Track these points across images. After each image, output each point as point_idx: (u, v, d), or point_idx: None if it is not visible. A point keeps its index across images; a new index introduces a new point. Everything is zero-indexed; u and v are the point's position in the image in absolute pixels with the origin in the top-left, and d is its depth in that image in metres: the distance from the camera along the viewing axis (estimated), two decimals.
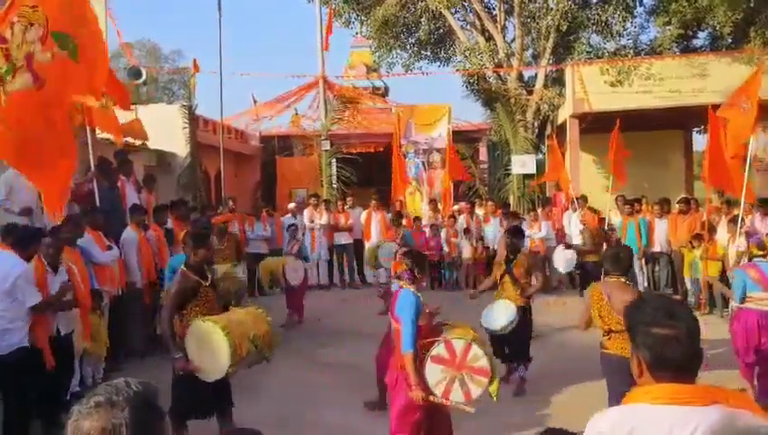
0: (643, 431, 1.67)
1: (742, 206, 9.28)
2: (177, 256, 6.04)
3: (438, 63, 21.68)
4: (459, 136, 19.17)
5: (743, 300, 5.84)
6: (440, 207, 14.37)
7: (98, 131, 8.35)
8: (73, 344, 5.98)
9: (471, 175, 17.50)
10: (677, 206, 11.28)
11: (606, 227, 11.51)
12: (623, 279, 4.71)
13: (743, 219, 9.15)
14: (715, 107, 10.17)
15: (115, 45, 23.30)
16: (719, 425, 1.62)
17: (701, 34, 18.73)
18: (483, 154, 20.79)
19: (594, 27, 17.79)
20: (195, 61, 15.16)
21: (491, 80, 19.55)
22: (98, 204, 7.79)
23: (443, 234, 12.63)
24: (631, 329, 1.82)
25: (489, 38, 19.20)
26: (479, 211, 13.64)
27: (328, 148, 17.35)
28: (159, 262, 8.12)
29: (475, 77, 19.62)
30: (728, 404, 1.68)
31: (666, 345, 1.72)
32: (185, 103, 15.26)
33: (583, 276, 10.81)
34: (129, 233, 7.80)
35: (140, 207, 8.47)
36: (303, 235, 13.14)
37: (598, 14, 17.37)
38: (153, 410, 1.47)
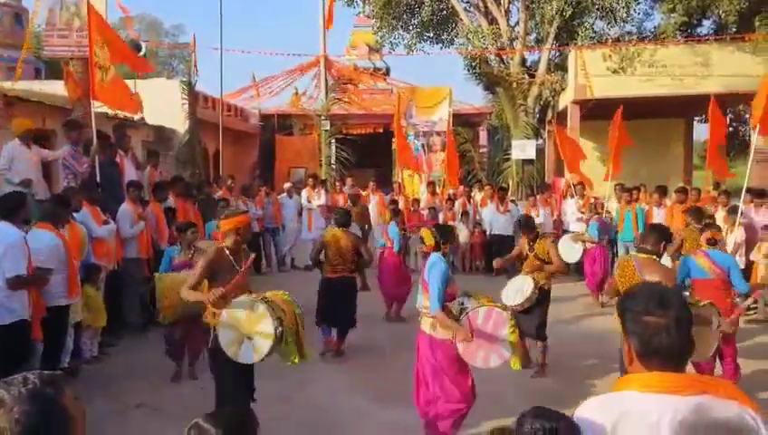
0: (631, 419, 1.69)
1: (742, 196, 9.28)
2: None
3: (441, 45, 21.56)
4: (460, 119, 19.12)
5: None
6: (438, 190, 14.36)
7: (96, 105, 8.33)
8: (68, 317, 6.00)
9: (465, 159, 17.41)
10: (675, 195, 11.28)
11: (604, 215, 11.51)
12: None
13: (742, 210, 9.15)
14: (718, 96, 10.15)
15: (116, 18, 23.10)
16: (693, 415, 1.64)
17: (705, 23, 18.64)
18: (483, 138, 20.74)
19: (598, 12, 17.67)
20: (194, 37, 15.07)
21: (493, 63, 19.44)
22: (98, 179, 7.81)
23: (440, 217, 12.63)
24: (623, 316, 1.83)
25: (492, 21, 19.06)
26: (477, 195, 13.63)
27: (328, 128, 17.30)
28: (158, 238, 8.13)
29: (478, 60, 19.50)
30: (717, 395, 1.69)
31: (655, 334, 1.73)
32: (184, 79, 15.17)
33: None
34: (125, 207, 7.80)
35: (138, 182, 8.45)
36: (300, 214, 13.21)
37: None
38: (47, 408, 1.32)
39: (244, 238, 4.62)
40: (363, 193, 13.44)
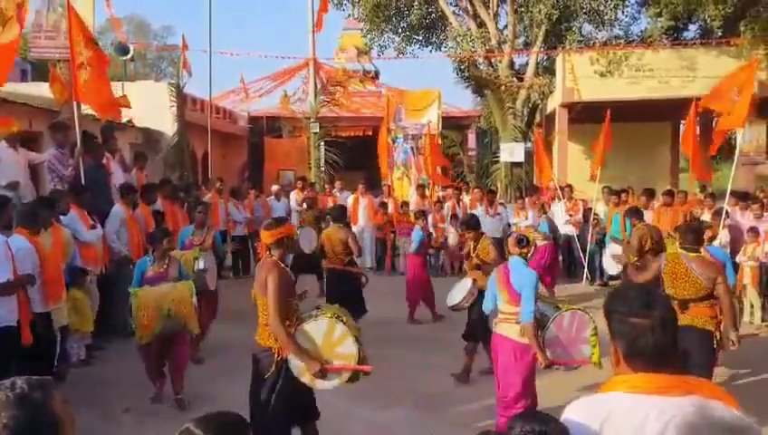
0: (618, 420, 1.70)
1: (726, 198, 9.37)
2: None
3: (430, 48, 21.62)
4: (449, 122, 19.17)
5: None
6: (428, 192, 14.39)
7: (83, 107, 8.26)
8: (52, 322, 5.88)
9: (453, 161, 17.49)
10: (662, 197, 11.39)
11: (592, 217, 11.62)
12: None
13: (727, 212, 9.24)
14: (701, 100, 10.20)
15: (103, 19, 22.96)
16: (693, 416, 1.66)
17: (691, 27, 18.83)
18: (472, 141, 20.82)
19: (586, 16, 17.79)
20: (184, 38, 15.01)
21: (482, 67, 19.52)
22: (83, 181, 7.74)
23: (429, 219, 12.65)
24: (609, 317, 1.85)
25: (481, 24, 19.14)
26: (466, 198, 13.68)
27: (317, 130, 17.29)
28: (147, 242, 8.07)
29: (466, 63, 19.57)
30: (702, 395, 1.71)
31: (640, 335, 1.75)
32: (172, 81, 15.10)
33: None
34: (117, 209, 7.74)
35: (131, 186, 8.39)
36: (289, 217, 13.18)
37: (590, 3, 17.36)
38: (36, 413, 1.31)
39: (289, 250, 4.27)
40: (353, 195, 13.43)
